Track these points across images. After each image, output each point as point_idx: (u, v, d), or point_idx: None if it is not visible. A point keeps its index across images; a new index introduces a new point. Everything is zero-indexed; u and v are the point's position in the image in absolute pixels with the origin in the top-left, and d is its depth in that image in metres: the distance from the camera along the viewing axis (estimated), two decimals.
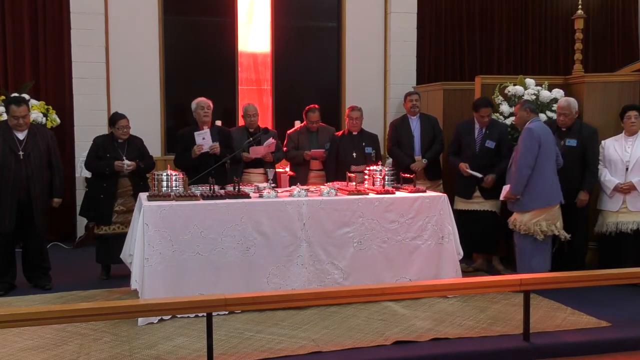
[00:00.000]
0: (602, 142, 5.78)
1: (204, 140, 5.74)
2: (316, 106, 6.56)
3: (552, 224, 5.29)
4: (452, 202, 5.99)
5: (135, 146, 5.83)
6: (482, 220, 5.95)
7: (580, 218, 5.71)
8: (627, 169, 5.58)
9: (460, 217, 5.91)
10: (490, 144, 5.90)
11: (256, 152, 6.15)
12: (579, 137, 5.67)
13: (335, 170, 6.29)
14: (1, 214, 5.25)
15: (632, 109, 5.65)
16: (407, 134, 6.42)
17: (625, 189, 5.55)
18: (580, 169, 5.67)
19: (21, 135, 5.34)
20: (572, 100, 5.76)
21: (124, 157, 5.69)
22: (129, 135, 5.81)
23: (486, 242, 5.98)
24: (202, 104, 5.93)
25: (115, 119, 5.78)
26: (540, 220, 5.26)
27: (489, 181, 5.85)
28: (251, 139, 6.18)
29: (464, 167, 5.91)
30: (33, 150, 5.35)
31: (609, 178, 5.63)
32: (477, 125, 5.99)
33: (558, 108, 5.75)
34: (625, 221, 5.56)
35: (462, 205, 6.01)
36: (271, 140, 6.15)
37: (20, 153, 5.29)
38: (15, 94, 6.30)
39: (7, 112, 5.36)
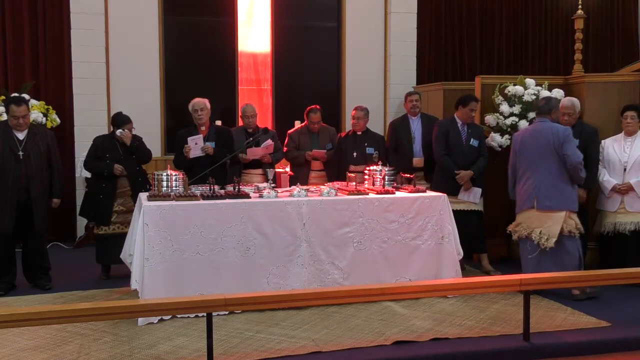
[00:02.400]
0: (602, 141, 5.79)
1: (196, 145, 5.72)
2: (317, 107, 6.56)
3: (529, 229, 5.21)
4: None
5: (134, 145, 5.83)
6: (470, 220, 5.94)
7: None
8: (625, 169, 5.59)
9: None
10: (474, 143, 5.95)
11: (254, 153, 6.14)
12: (580, 137, 5.67)
13: (338, 170, 6.28)
14: (1, 214, 5.25)
15: (630, 109, 5.66)
16: (407, 135, 6.42)
17: (623, 190, 5.56)
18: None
19: (21, 136, 5.34)
20: (575, 100, 5.76)
21: (123, 157, 5.71)
22: None
23: (474, 242, 5.98)
24: (195, 106, 5.85)
25: (121, 122, 5.76)
26: (516, 223, 5.35)
27: (463, 175, 5.84)
28: (251, 139, 6.17)
29: (466, 182, 5.89)
30: (33, 150, 5.35)
31: (607, 178, 5.64)
32: (459, 123, 6.00)
33: (562, 108, 5.73)
34: (623, 222, 5.57)
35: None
36: (269, 142, 6.14)
37: (20, 153, 5.29)
38: (15, 94, 6.30)
39: (7, 112, 5.36)
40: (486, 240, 6.09)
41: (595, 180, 5.69)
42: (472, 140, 5.95)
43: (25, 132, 5.36)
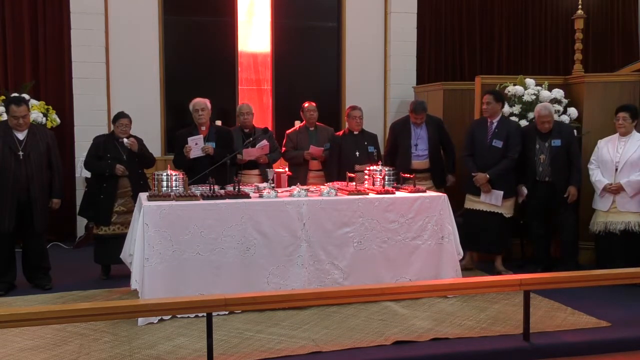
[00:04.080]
0: (598, 141, 5.83)
1: (196, 145, 5.72)
2: (311, 102, 6.60)
3: None
4: (458, 202, 6.01)
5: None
6: (489, 221, 5.93)
7: (566, 216, 5.82)
8: (616, 169, 5.60)
9: (467, 214, 5.98)
10: (497, 143, 5.85)
11: (249, 154, 6.13)
12: (561, 137, 5.78)
13: (338, 170, 6.26)
14: (1, 214, 5.25)
15: (623, 110, 5.63)
16: (407, 139, 6.30)
17: (614, 190, 5.58)
18: (568, 166, 5.80)
19: (21, 136, 5.34)
20: (549, 105, 5.88)
21: (124, 157, 5.71)
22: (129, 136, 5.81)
23: (489, 242, 5.97)
24: (196, 106, 5.86)
25: (117, 117, 5.79)
26: None
27: (478, 178, 5.83)
28: (251, 139, 6.16)
29: (483, 184, 5.87)
30: (33, 150, 5.34)
31: (599, 179, 5.68)
32: (488, 122, 5.97)
33: (540, 117, 5.76)
34: (614, 221, 5.60)
35: (470, 204, 6.02)
36: (264, 142, 6.13)
37: (20, 153, 5.29)
38: (15, 94, 6.30)
39: (7, 112, 5.36)
40: (506, 242, 6.07)
41: (580, 178, 5.79)
42: (494, 140, 5.86)
43: (25, 132, 5.36)
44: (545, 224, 5.97)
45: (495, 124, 5.92)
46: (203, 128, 5.91)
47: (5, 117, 6.51)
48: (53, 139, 5.59)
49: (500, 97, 5.98)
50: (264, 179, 6.25)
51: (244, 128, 6.36)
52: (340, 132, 6.65)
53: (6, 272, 5.41)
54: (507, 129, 5.90)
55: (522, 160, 5.91)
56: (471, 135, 5.99)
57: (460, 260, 5.92)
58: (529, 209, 6.02)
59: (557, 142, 5.75)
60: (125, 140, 5.71)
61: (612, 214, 5.60)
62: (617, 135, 5.71)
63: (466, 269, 6.01)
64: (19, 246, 5.58)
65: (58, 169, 5.59)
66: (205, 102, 5.91)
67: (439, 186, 6.30)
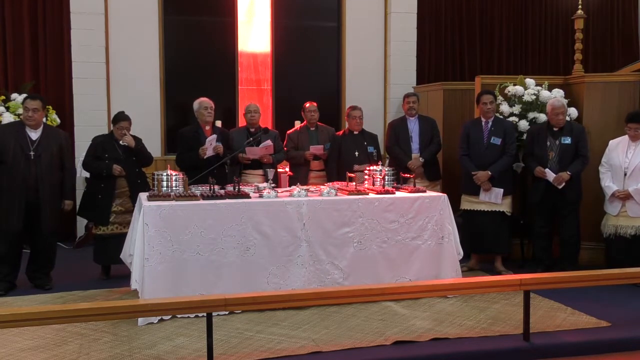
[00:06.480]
0: (609, 142, 5.82)
1: (210, 145, 5.75)
2: (312, 102, 6.60)
3: None
4: (457, 202, 6.00)
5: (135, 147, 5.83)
6: (492, 220, 5.93)
7: (570, 215, 5.81)
8: (625, 174, 5.59)
9: (467, 216, 5.95)
10: (496, 141, 5.89)
11: (252, 152, 6.14)
12: (571, 135, 5.78)
13: (338, 170, 6.28)
14: (9, 213, 5.24)
15: (634, 121, 5.56)
16: (405, 135, 6.42)
17: (622, 197, 5.58)
18: None
19: (34, 135, 5.33)
20: (561, 98, 5.91)
21: (122, 157, 5.71)
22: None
23: (493, 243, 5.97)
24: (205, 104, 5.93)
25: (117, 118, 5.78)
26: None
27: (479, 176, 5.84)
28: (251, 138, 6.17)
29: (483, 182, 5.87)
30: (45, 151, 5.33)
31: (608, 184, 5.69)
32: (483, 121, 5.99)
33: (554, 109, 5.79)
34: (624, 225, 5.61)
35: (469, 205, 6.01)
36: (268, 142, 6.14)
37: (31, 153, 5.28)
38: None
39: (23, 104, 5.38)
40: (509, 241, 6.07)
41: (581, 169, 5.79)
42: (493, 138, 5.89)
43: (40, 132, 5.35)
44: (548, 222, 5.96)
45: (490, 122, 5.96)
46: (207, 127, 5.93)
47: (4, 118, 6.52)
48: (67, 140, 5.59)
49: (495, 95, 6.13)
50: (265, 178, 6.25)
51: (251, 127, 6.37)
52: (341, 132, 6.65)
53: (9, 272, 5.40)
54: (504, 126, 5.97)
55: (532, 158, 5.92)
56: (467, 136, 6.00)
57: (465, 262, 5.94)
58: (535, 207, 6.01)
59: (567, 140, 5.77)
60: (122, 142, 5.71)
61: (622, 218, 5.62)
62: (627, 138, 5.69)
63: (471, 270, 6.02)
64: (29, 246, 5.58)
65: (70, 170, 5.59)
66: (212, 103, 6.00)
67: (431, 179, 6.38)
